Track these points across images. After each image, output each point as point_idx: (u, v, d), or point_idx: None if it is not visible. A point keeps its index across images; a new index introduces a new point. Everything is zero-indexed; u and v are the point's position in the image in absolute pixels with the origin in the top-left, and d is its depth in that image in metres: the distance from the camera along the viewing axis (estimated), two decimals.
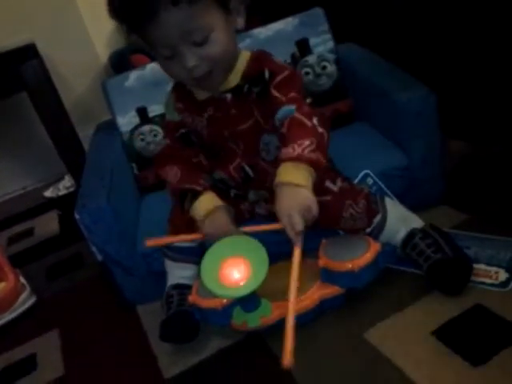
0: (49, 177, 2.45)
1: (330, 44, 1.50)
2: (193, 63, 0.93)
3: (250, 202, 1.16)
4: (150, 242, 1.09)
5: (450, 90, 1.40)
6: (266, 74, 1.01)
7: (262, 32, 1.50)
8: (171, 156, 1.12)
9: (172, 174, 1.10)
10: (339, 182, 1.08)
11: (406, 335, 1.01)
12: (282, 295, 1.07)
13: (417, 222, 1.14)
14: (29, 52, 1.79)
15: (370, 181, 1.25)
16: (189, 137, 1.12)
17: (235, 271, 0.93)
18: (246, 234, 1.01)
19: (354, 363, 0.99)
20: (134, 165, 1.51)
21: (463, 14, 1.34)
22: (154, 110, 1.48)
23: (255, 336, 1.12)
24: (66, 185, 2.32)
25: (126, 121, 1.50)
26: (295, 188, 0.89)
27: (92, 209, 1.19)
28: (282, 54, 1.47)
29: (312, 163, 0.90)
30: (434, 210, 1.30)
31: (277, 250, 1.16)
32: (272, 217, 1.08)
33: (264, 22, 1.55)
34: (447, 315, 1.02)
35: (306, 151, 0.90)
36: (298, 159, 0.89)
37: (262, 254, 0.94)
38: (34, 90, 1.81)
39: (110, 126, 1.55)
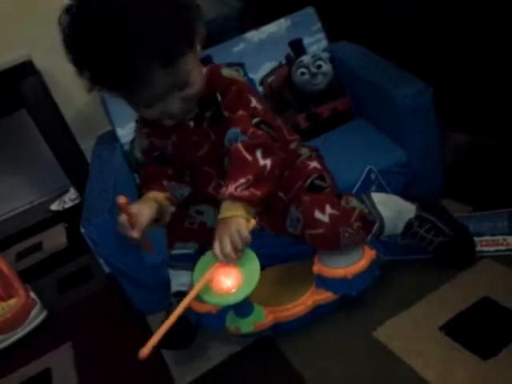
0: (54, 190, 2.47)
1: (324, 43, 1.50)
2: (177, 108, 0.97)
3: None
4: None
5: (450, 82, 1.39)
6: (219, 97, 1.02)
7: (255, 35, 1.50)
8: (151, 175, 1.14)
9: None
10: (329, 209, 1.04)
11: (414, 332, 1.01)
12: (275, 300, 1.10)
13: (410, 210, 1.15)
14: (26, 68, 1.79)
15: (373, 176, 1.26)
16: (163, 158, 1.14)
17: (227, 279, 0.94)
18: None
19: (364, 363, 1.00)
20: (136, 175, 1.52)
21: (460, 8, 1.33)
22: None
23: (265, 339, 1.13)
24: (71, 197, 2.33)
25: (126, 132, 1.51)
26: (225, 220, 0.92)
27: (97, 223, 1.19)
28: (276, 56, 1.49)
29: (245, 201, 0.92)
30: None
31: (280, 251, 1.20)
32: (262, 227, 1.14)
33: (257, 23, 1.56)
34: (455, 310, 1.03)
35: (238, 190, 0.92)
36: (230, 198, 0.92)
37: (254, 262, 0.95)
38: (33, 107, 1.81)
39: (111, 138, 1.56)
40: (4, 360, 1.44)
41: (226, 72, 1.05)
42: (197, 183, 1.15)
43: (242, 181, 0.92)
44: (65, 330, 1.47)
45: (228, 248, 0.90)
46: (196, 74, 0.98)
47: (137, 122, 1.16)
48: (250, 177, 0.93)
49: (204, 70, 1.05)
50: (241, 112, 1.00)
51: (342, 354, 1.03)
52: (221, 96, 1.02)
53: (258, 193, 0.93)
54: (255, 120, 0.99)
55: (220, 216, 0.93)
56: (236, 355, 1.13)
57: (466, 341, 0.95)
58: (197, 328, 1.16)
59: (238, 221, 0.91)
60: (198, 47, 0.98)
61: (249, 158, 0.95)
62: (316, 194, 1.07)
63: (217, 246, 0.91)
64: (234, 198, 0.92)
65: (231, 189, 0.92)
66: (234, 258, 0.91)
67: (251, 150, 0.95)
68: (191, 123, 1.06)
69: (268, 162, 0.96)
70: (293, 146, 1.16)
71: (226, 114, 1.02)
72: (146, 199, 1.07)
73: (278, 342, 1.12)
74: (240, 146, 0.95)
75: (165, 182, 1.12)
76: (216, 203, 1.13)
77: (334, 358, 1.03)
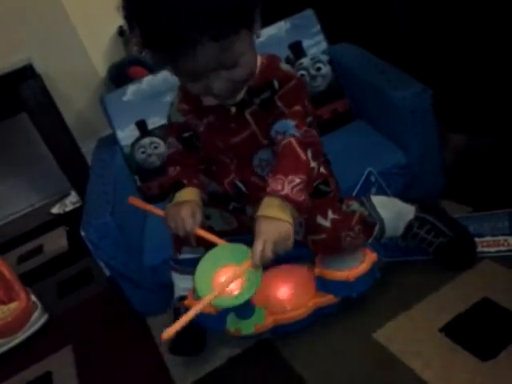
0: (55, 193, 2.47)
1: (323, 45, 1.50)
2: (220, 88, 0.91)
3: (249, 216, 1.15)
4: (132, 200, 1.08)
5: (449, 83, 1.39)
6: (276, 84, 0.97)
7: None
8: (179, 161, 1.11)
9: (173, 171, 1.09)
10: (330, 214, 1.04)
11: (414, 334, 1.01)
12: (276, 302, 1.09)
13: (410, 211, 1.15)
14: (26, 72, 1.80)
15: (373, 178, 1.26)
16: (192, 141, 1.10)
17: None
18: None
19: (364, 364, 1.00)
20: (136, 177, 1.52)
21: (459, 9, 1.33)
22: (153, 122, 1.49)
23: (265, 342, 1.13)
24: (72, 200, 2.33)
25: (126, 134, 1.51)
26: (276, 220, 0.87)
27: (97, 225, 1.20)
28: None
29: (297, 205, 0.89)
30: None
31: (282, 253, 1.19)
32: None
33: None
34: (455, 311, 1.03)
35: (294, 191, 0.88)
36: (285, 199, 0.88)
37: None
38: (34, 110, 1.82)
39: (111, 141, 1.56)
40: (5, 364, 1.44)
41: (285, 66, 1.02)
42: (214, 176, 1.12)
43: (298, 181, 0.89)
44: (65, 333, 1.47)
45: (270, 253, 0.85)
46: (248, 57, 0.90)
47: (178, 89, 1.10)
48: (304, 177, 0.90)
49: (260, 57, 0.99)
50: (298, 107, 0.96)
51: (342, 356, 1.03)
52: (278, 85, 0.97)
53: (308, 200, 0.90)
54: (308, 119, 0.98)
55: (265, 212, 0.88)
56: (236, 357, 1.13)
57: (465, 342, 0.95)
58: (204, 335, 1.16)
59: (286, 228, 0.87)
60: (257, 27, 0.90)
61: (303, 156, 0.92)
62: (318, 199, 1.06)
63: (259, 245, 0.85)
64: (287, 200, 0.88)
65: (287, 189, 0.88)
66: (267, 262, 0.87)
67: (304, 148, 0.93)
68: (233, 109, 1.00)
69: (315, 165, 0.95)
70: None
71: (278, 103, 0.97)
72: (192, 201, 1.02)
73: (278, 345, 1.12)
74: (294, 141, 0.92)
75: (201, 177, 1.09)
76: (223, 202, 1.13)
77: (334, 360, 1.03)
